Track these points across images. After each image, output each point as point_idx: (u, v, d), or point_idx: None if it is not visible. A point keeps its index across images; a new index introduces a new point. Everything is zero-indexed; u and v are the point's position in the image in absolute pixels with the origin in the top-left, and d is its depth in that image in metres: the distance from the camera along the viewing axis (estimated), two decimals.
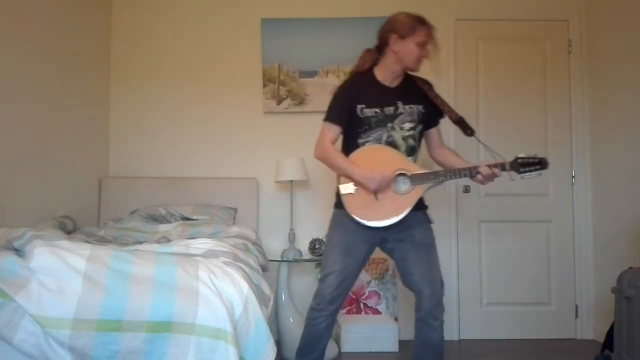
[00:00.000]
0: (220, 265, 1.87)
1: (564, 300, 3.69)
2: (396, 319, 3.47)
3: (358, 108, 2.26)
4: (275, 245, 3.59)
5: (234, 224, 3.31)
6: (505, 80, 3.75)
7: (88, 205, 3.43)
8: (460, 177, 2.22)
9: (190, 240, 2.22)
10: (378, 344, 3.33)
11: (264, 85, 3.72)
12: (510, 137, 3.70)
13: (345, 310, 3.57)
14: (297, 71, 3.71)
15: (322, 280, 2.30)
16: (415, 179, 2.20)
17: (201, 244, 2.14)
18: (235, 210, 3.49)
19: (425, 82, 2.39)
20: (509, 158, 2.21)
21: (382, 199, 2.20)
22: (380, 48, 2.32)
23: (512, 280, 3.68)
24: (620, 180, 3.39)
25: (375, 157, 2.23)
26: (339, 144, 2.36)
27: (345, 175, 2.25)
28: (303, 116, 3.67)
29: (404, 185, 2.21)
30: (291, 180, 3.41)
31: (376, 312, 3.57)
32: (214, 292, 1.72)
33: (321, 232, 3.01)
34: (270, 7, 3.76)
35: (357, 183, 2.21)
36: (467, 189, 3.69)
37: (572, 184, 3.74)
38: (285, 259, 3.31)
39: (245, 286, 1.81)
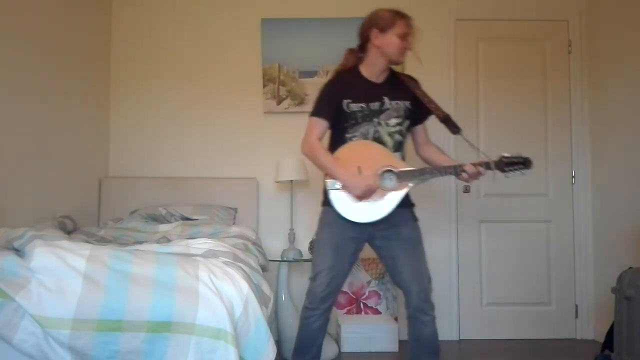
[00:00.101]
0: (220, 265, 1.87)
1: (564, 300, 3.69)
2: (396, 319, 3.47)
3: (344, 103, 2.28)
4: (275, 245, 3.60)
5: (234, 224, 3.31)
6: (505, 80, 3.75)
7: (88, 205, 3.43)
8: (446, 174, 2.24)
9: (190, 240, 2.22)
10: (378, 344, 3.33)
11: (264, 85, 3.72)
12: (510, 137, 3.70)
13: (345, 310, 3.57)
14: (297, 71, 3.71)
15: (313, 278, 2.31)
16: (401, 175, 2.22)
17: (201, 244, 2.14)
18: (235, 210, 3.49)
19: (412, 79, 2.41)
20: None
21: (369, 196, 2.22)
22: (363, 46, 2.35)
23: (512, 280, 3.68)
24: (620, 180, 3.39)
25: (362, 152, 2.25)
26: (326, 139, 2.37)
27: (330, 175, 2.26)
28: (303, 116, 3.59)
29: (390, 181, 2.24)
30: (291, 180, 3.41)
31: (376, 312, 3.58)
32: (214, 292, 1.72)
33: None
34: (270, 7, 3.76)
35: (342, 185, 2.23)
36: (467, 189, 3.65)
37: (572, 184, 3.74)
38: (285, 259, 3.31)
39: (245, 286, 1.81)
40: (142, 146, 3.73)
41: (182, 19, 3.77)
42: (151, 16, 3.77)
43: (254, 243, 2.76)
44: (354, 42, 2.40)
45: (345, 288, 3.60)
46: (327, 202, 2.30)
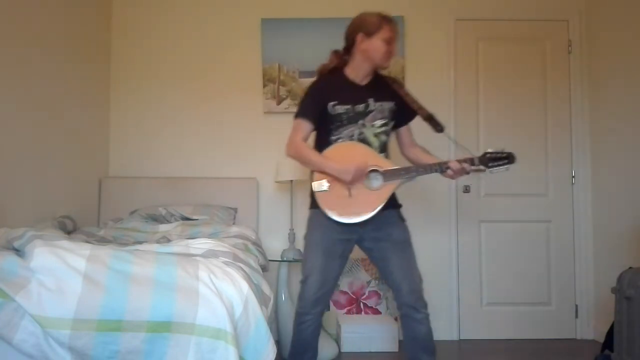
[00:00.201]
0: (220, 265, 1.87)
1: (564, 300, 3.69)
2: (396, 319, 3.47)
3: (329, 105, 2.29)
4: (275, 245, 3.60)
5: (234, 224, 3.31)
6: (505, 80, 3.75)
7: (88, 205, 3.43)
8: (431, 172, 2.25)
9: (190, 240, 2.22)
10: (378, 344, 3.33)
11: (264, 85, 3.72)
12: (510, 137, 3.70)
13: (345, 310, 3.57)
14: (297, 71, 3.71)
15: (303, 282, 2.32)
16: (387, 174, 2.24)
17: (201, 244, 2.14)
18: (235, 210, 3.49)
19: (395, 80, 2.43)
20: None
21: (355, 196, 2.23)
22: (348, 48, 2.36)
23: (512, 280, 3.68)
24: (620, 180, 3.39)
25: (348, 153, 2.26)
26: (311, 141, 2.38)
27: (319, 170, 2.27)
28: None
29: (376, 181, 2.25)
30: (291, 180, 3.41)
31: (376, 312, 3.58)
32: (214, 292, 1.72)
33: None
34: (270, 7, 3.76)
35: (331, 178, 2.24)
36: (467, 189, 3.69)
37: (572, 184, 3.74)
38: (285, 259, 3.31)
39: (245, 286, 1.81)
40: (142, 146, 3.73)
41: (182, 19, 3.77)
42: (151, 16, 3.77)
43: (254, 243, 2.76)
44: None
45: (345, 288, 3.60)
46: (314, 205, 2.32)
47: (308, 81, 3.64)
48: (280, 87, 3.71)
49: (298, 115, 2.34)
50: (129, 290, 1.67)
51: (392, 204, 2.34)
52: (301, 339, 2.32)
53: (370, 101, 2.31)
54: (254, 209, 3.58)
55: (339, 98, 2.29)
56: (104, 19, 3.70)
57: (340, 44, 2.43)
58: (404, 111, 2.39)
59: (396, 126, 2.42)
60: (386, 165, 2.25)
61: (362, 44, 2.28)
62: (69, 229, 2.78)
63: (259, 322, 1.79)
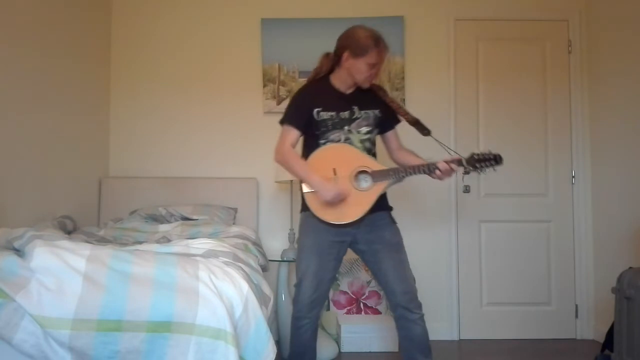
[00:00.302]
0: (220, 265, 1.87)
1: (564, 300, 3.69)
2: None
3: (315, 111, 2.32)
4: (275, 245, 3.60)
5: (234, 224, 3.32)
6: (505, 80, 3.75)
7: (88, 205, 3.43)
8: (419, 172, 2.27)
9: (190, 240, 2.22)
10: (378, 344, 3.33)
11: (264, 85, 3.72)
12: (510, 137, 3.70)
13: (345, 310, 3.57)
14: (297, 71, 3.71)
15: (298, 285, 2.34)
16: (375, 175, 2.26)
17: (201, 244, 2.15)
18: (235, 210, 3.49)
19: (380, 88, 2.45)
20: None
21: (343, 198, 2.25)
22: (336, 58, 2.38)
23: (512, 280, 3.68)
24: (621, 180, 3.39)
25: (336, 155, 2.29)
26: (299, 147, 2.41)
27: (302, 181, 2.30)
28: None
29: (365, 182, 2.28)
30: (291, 180, 3.41)
31: (376, 312, 3.58)
32: (214, 292, 1.72)
33: None
34: (270, 7, 3.76)
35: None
36: (467, 189, 3.69)
37: (572, 184, 3.74)
38: (285, 259, 3.31)
39: (245, 286, 1.81)
40: (142, 146, 3.73)
41: (182, 19, 3.77)
42: (151, 16, 3.77)
43: (254, 243, 2.76)
44: None
45: (345, 288, 3.60)
46: (305, 207, 2.33)
47: None
48: (280, 87, 3.71)
49: (284, 121, 2.37)
50: (129, 290, 1.67)
51: (384, 206, 2.38)
52: (300, 343, 2.34)
53: (355, 109, 2.35)
54: (254, 209, 3.58)
55: (324, 105, 2.32)
56: (104, 19, 3.69)
57: None
58: (388, 118, 2.43)
59: (381, 132, 2.45)
60: (374, 166, 2.28)
61: (347, 62, 2.30)
62: (69, 229, 2.78)
63: (259, 322, 1.79)
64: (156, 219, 3.19)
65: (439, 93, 3.74)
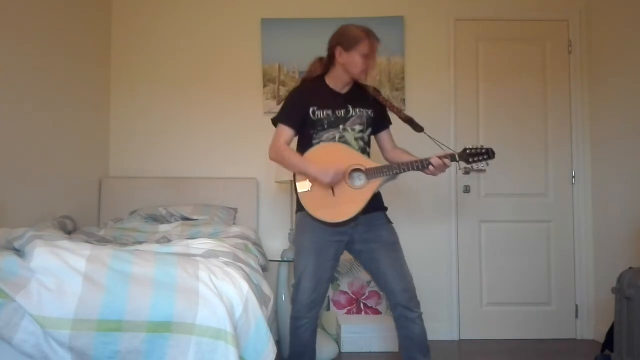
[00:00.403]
0: (220, 265, 1.87)
1: (564, 300, 3.69)
2: None
3: (310, 110, 2.33)
4: (275, 245, 3.60)
5: (234, 224, 3.32)
6: (505, 80, 3.75)
7: (88, 205, 3.43)
8: (413, 169, 2.28)
9: (190, 240, 2.22)
10: (378, 344, 3.33)
11: (264, 85, 3.72)
12: (510, 137, 3.71)
13: (345, 310, 3.57)
14: (297, 71, 3.70)
15: (296, 285, 2.34)
16: (369, 172, 2.27)
17: (201, 244, 2.15)
18: (235, 210, 3.49)
19: (374, 88, 2.47)
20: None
21: (338, 195, 2.27)
22: (330, 58, 2.41)
23: (512, 280, 3.68)
24: (620, 180, 3.39)
25: (330, 153, 2.30)
26: (293, 146, 2.41)
27: (300, 172, 2.31)
28: None
29: (359, 180, 2.29)
30: (291, 180, 3.40)
31: (376, 312, 3.58)
32: (214, 292, 1.72)
33: None
34: (270, 7, 3.76)
35: (311, 179, 2.27)
36: (467, 189, 3.69)
37: (572, 184, 3.74)
38: (285, 259, 3.31)
39: (245, 286, 1.81)
40: (142, 146, 3.73)
41: (182, 19, 3.77)
42: (151, 16, 3.77)
43: (254, 243, 2.76)
44: None
45: (345, 288, 3.60)
46: (301, 207, 2.34)
47: None
48: (280, 87, 3.71)
49: (279, 120, 2.38)
50: (129, 290, 1.67)
51: (379, 206, 2.39)
52: (299, 343, 2.34)
53: (350, 107, 2.36)
54: (254, 209, 3.58)
55: (319, 104, 2.34)
56: (104, 19, 3.70)
57: None
58: (381, 118, 2.46)
59: (374, 132, 2.47)
60: (368, 164, 2.29)
61: (341, 58, 2.32)
62: (69, 229, 2.78)
63: (259, 322, 1.79)
64: (156, 219, 3.19)
65: (439, 93, 3.74)
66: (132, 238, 2.77)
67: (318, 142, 2.33)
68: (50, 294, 1.62)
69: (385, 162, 2.44)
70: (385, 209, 2.43)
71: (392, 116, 2.51)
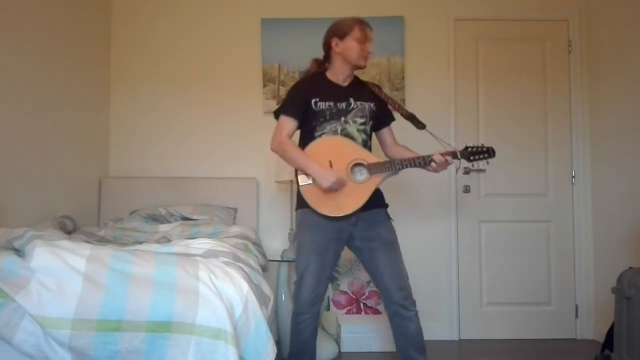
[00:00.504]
0: (220, 265, 1.87)
1: (564, 300, 3.69)
2: None
3: (312, 102, 2.35)
4: (275, 245, 3.60)
5: (234, 224, 3.32)
6: (505, 80, 3.75)
7: (88, 205, 3.43)
8: (415, 165, 2.30)
9: (190, 240, 2.22)
10: (378, 344, 3.33)
11: (264, 85, 3.72)
12: (510, 137, 3.71)
13: (345, 310, 3.57)
14: (297, 71, 3.70)
15: (298, 282, 2.35)
16: (371, 168, 2.29)
17: (201, 244, 2.14)
18: (235, 210, 3.49)
19: (375, 85, 2.51)
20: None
21: (340, 189, 2.27)
22: (327, 55, 2.45)
23: (512, 280, 3.68)
24: (620, 180, 3.39)
25: (332, 147, 2.31)
26: (295, 139, 2.42)
27: (300, 169, 2.32)
28: None
29: (360, 175, 2.31)
30: (291, 180, 3.41)
31: (376, 312, 3.58)
32: (214, 292, 1.72)
33: None
34: (270, 7, 3.76)
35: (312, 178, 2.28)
36: (467, 189, 3.69)
37: (572, 184, 3.74)
38: (285, 259, 3.31)
39: (245, 286, 1.81)
40: (142, 146, 3.73)
41: (182, 19, 3.77)
42: (151, 16, 3.77)
43: (254, 243, 2.76)
44: None
45: (345, 288, 3.60)
46: (302, 204, 2.34)
47: None
48: (280, 87, 3.71)
49: (281, 112, 2.39)
50: (129, 290, 1.67)
51: (380, 203, 2.40)
52: (300, 340, 2.35)
53: (352, 100, 2.38)
54: (254, 209, 3.58)
55: (321, 95, 2.35)
56: (104, 19, 3.69)
57: None
58: (383, 113, 2.48)
59: (377, 128, 2.48)
60: (370, 158, 2.30)
61: (337, 47, 2.37)
62: (69, 229, 2.78)
63: (259, 322, 1.79)
64: (156, 219, 3.19)
65: (439, 93, 3.74)
66: (132, 238, 2.77)
67: (320, 135, 2.33)
68: (50, 294, 1.62)
69: (386, 158, 2.45)
70: (386, 206, 2.43)
71: (394, 113, 2.52)
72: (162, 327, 1.65)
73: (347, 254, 2.45)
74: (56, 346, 1.60)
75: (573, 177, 3.74)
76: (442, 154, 2.26)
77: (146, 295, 1.67)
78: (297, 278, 2.35)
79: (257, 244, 2.82)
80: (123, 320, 1.63)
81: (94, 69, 3.51)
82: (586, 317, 3.66)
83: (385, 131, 2.52)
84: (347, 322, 3.41)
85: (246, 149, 3.72)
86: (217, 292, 1.73)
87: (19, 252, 1.85)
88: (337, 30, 2.38)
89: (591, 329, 3.65)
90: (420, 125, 2.44)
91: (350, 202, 2.26)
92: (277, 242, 3.63)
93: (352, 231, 2.34)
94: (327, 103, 2.35)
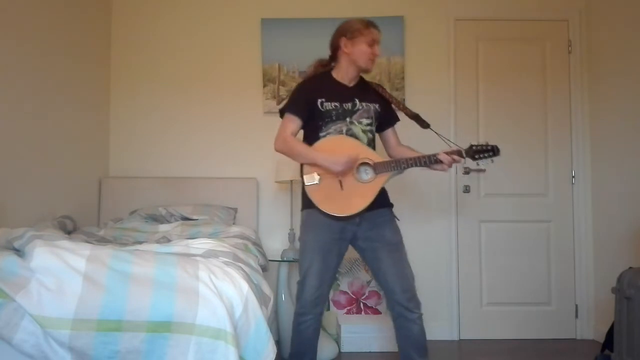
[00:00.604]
0: (220, 265, 1.87)
1: (564, 300, 3.69)
2: None
3: (318, 102, 2.34)
4: (275, 245, 3.60)
5: (234, 224, 3.32)
6: (505, 80, 3.75)
7: (88, 205, 3.43)
8: (421, 164, 2.30)
9: (190, 240, 2.22)
10: (378, 344, 3.33)
11: (264, 85, 3.72)
12: (510, 137, 3.70)
13: (345, 310, 3.57)
14: (297, 71, 3.71)
15: (301, 283, 2.35)
16: (377, 167, 2.29)
17: (201, 244, 2.14)
18: (235, 210, 3.49)
19: (380, 86, 2.51)
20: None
21: (346, 189, 2.27)
22: (334, 55, 2.44)
23: (512, 280, 3.68)
24: (620, 180, 3.39)
25: (338, 146, 2.30)
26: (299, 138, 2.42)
27: (309, 162, 2.30)
28: None
29: (366, 174, 2.30)
30: (291, 180, 3.41)
31: (376, 312, 3.58)
32: (214, 292, 1.72)
33: None
34: (270, 7, 3.76)
35: (322, 171, 2.27)
36: (467, 189, 3.69)
37: (572, 184, 3.74)
38: (285, 259, 3.31)
39: (245, 286, 1.81)
40: (142, 146, 3.72)
41: (182, 19, 3.77)
42: (151, 16, 3.77)
43: (254, 243, 2.76)
44: None
45: (345, 288, 3.60)
46: (307, 205, 2.34)
47: None
48: (280, 87, 3.71)
49: (286, 111, 2.38)
50: (129, 290, 1.67)
51: (385, 203, 2.39)
52: (301, 341, 2.34)
53: (357, 101, 2.38)
54: (254, 209, 3.58)
55: (327, 96, 2.35)
56: (104, 19, 3.70)
57: None
58: (387, 113, 2.48)
59: (381, 129, 2.49)
60: (376, 158, 2.30)
61: (346, 48, 2.36)
62: (69, 229, 2.78)
63: (259, 322, 1.79)
64: (156, 219, 3.19)
65: (439, 93, 3.74)
66: (132, 238, 2.77)
67: (325, 135, 2.33)
68: (50, 294, 1.62)
69: (390, 158, 2.45)
70: (392, 205, 2.43)
71: (398, 114, 2.52)
72: (162, 327, 1.65)
73: (347, 254, 2.44)
74: (56, 346, 1.60)
75: (573, 177, 3.74)
76: (447, 153, 2.26)
77: (146, 295, 1.67)
78: (300, 278, 2.35)
79: (257, 244, 2.82)
80: (123, 320, 1.63)
81: (94, 69, 3.51)
82: (586, 317, 3.66)
83: (389, 132, 2.52)
84: (347, 322, 3.41)
85: (246, 149, 3.72)
86: (217, 292, 1.73)
87: (19, 252, 1.85)
88: (347, 31, 2.36)
89: (591, 329, 3.65)
90: (424, 124, 2.45)
91: (357, 201, 2.26)
92: (277, 242, 3.63)
93: (355, 231, 2.33)
94: (333, 103, 2.34)
